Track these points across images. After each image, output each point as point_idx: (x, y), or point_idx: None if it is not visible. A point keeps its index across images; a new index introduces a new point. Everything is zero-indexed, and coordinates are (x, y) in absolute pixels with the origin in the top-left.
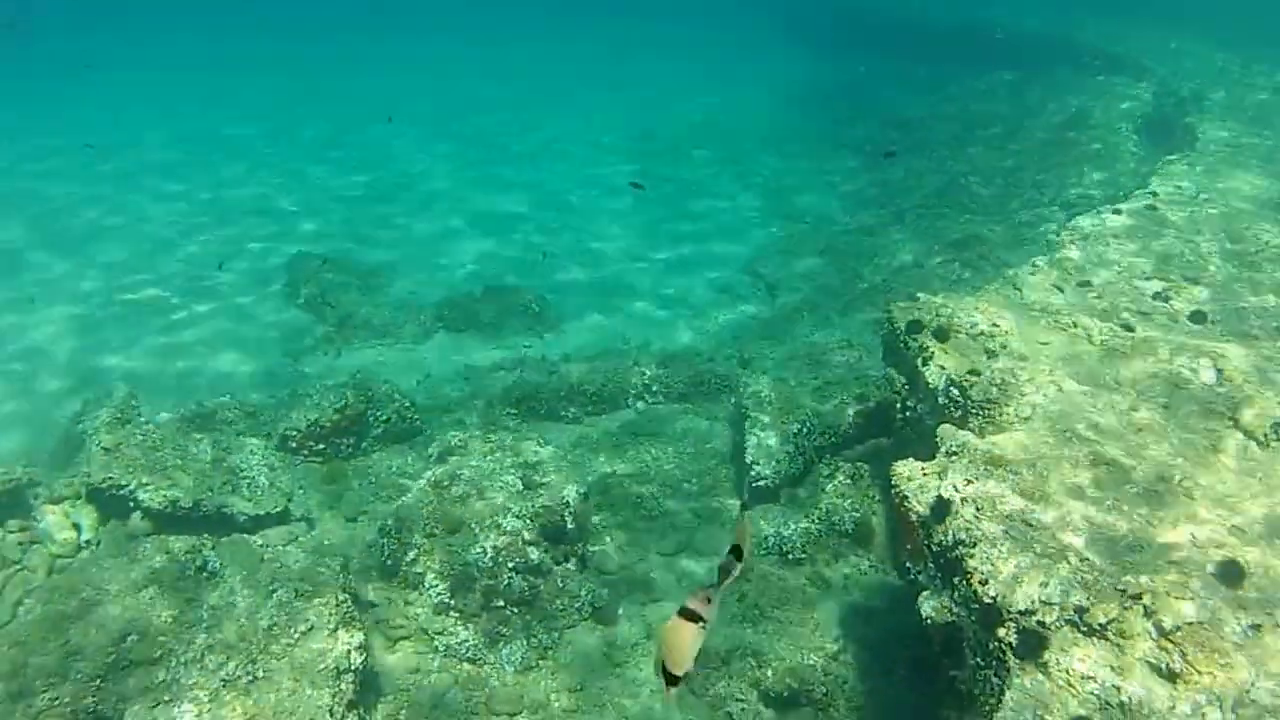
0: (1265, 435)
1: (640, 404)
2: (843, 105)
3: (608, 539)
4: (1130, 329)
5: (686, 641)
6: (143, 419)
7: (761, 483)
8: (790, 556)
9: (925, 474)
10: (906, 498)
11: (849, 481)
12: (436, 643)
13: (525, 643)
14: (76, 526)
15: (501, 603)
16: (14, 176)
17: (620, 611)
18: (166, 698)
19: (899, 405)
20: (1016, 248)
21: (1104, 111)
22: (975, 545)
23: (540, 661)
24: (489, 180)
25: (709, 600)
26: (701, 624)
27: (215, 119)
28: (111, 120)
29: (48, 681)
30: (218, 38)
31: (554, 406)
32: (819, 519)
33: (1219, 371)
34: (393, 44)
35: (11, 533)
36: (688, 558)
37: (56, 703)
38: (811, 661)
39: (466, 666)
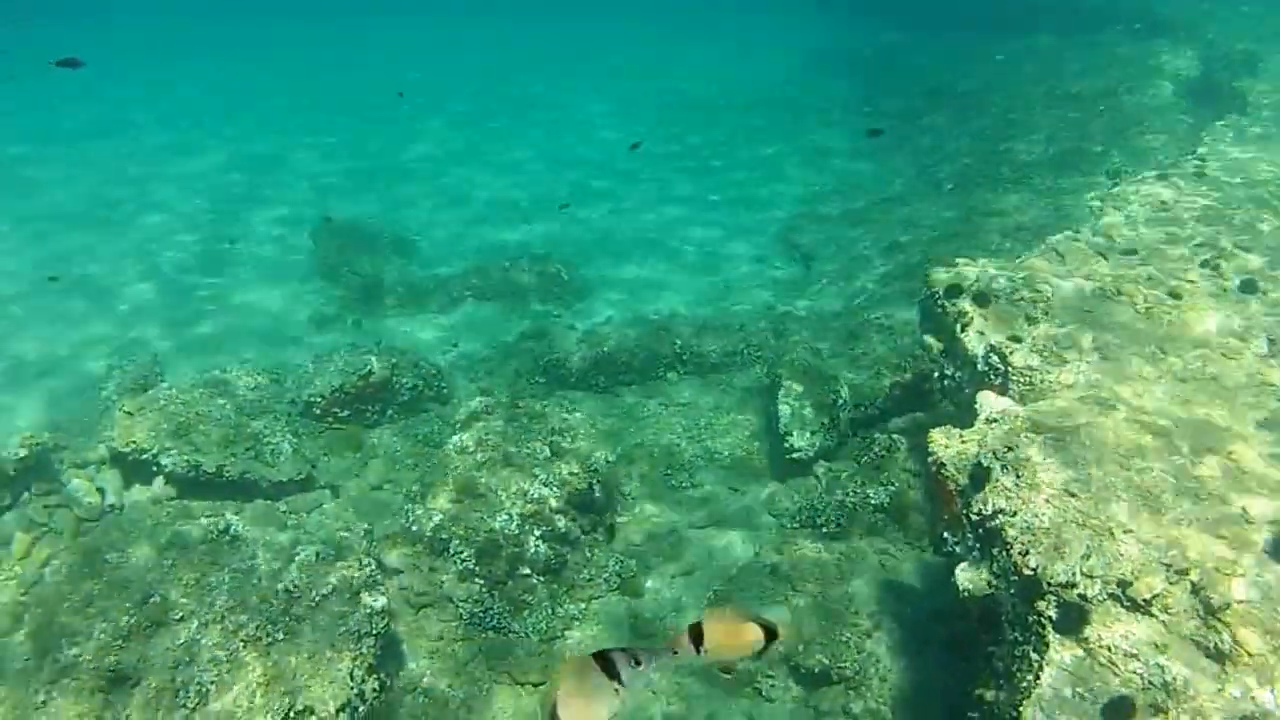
0: None
1: (672, 374)
2: (878, 73)
3: (637, 510)
4: (1177, 296)
5: (588, 701)
6: (166, 385)
7: (796, 454)
8: (824, 530)
9: (964, 441)
10: (944, 465)
11: (884, 454)
12: (460, 610)
13: (551, 612)
14: (101, 491)
15: (527, 571)
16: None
17: (648, 584)
18: (187, 658)
19: (936, 373)
20: (1058, 215)
21: (1149, 76)
22: (1015, 514)
23: (565, 632)
24: (519, 147)
25: (637, 663)
26: (617, 686)
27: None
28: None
29: (72, 640)
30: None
31: (583, 375)
32: (853, 492)
33: (1270, 341)
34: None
35: (38, 496)
36: (718, 531)
37: (80, 660)
38: (844, 637)
39: (490, 635)
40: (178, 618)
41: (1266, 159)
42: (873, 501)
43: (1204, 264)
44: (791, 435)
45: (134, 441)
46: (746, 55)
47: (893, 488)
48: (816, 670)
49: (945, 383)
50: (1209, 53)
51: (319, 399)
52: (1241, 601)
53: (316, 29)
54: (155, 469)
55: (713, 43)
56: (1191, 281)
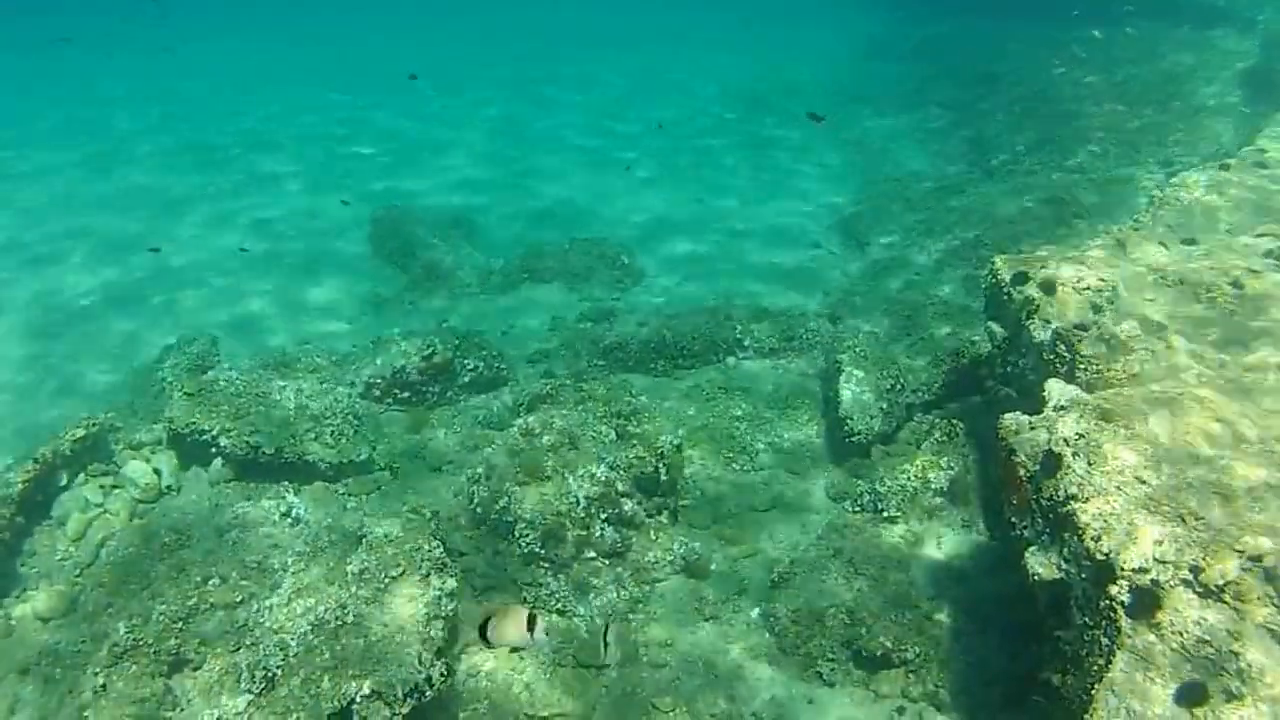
0: None
1: (731, 359)
2: (927, 61)
3: (700, 493)
4: (1240, 286)
5: (508, 629)
6: (225, 365)
7: (856, 438)
8: (884, 514)
9: (1033, 428)
10: (1014, 451)
11: (944, 439)
12: (525, 594)
13: (616, 595)
14: (157, 471)
15: (592, 554)
16: None
17: (713, 567)
18: (249, 640)
19: (999, 360)
20: (1114, 205)
21: (1206, 65)
22: (1088, 500)
23: (630, 614)
24: (584, 135)
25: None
26: (530, 634)
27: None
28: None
29: (130, 623)
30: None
31: (643, 359)
32: (914, 476)
33: None
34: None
35: (94, 476)
36: (779, 514)
37: (140, 643)
38: (905, 621)
39: (555, 618)
40: (238, 599)
41: None
42: (932, 485)
43: (1267, 254)
44: (851, 419)
45: (192, 423)
46: (797, 45)
47: (951, 472)
48: (878, 654)
49: (1008, 369)
50: (1268, 41)
51: (380, 380)
52: None
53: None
54: (213, 450)
55: (763, 35)
56: (1255, 271)
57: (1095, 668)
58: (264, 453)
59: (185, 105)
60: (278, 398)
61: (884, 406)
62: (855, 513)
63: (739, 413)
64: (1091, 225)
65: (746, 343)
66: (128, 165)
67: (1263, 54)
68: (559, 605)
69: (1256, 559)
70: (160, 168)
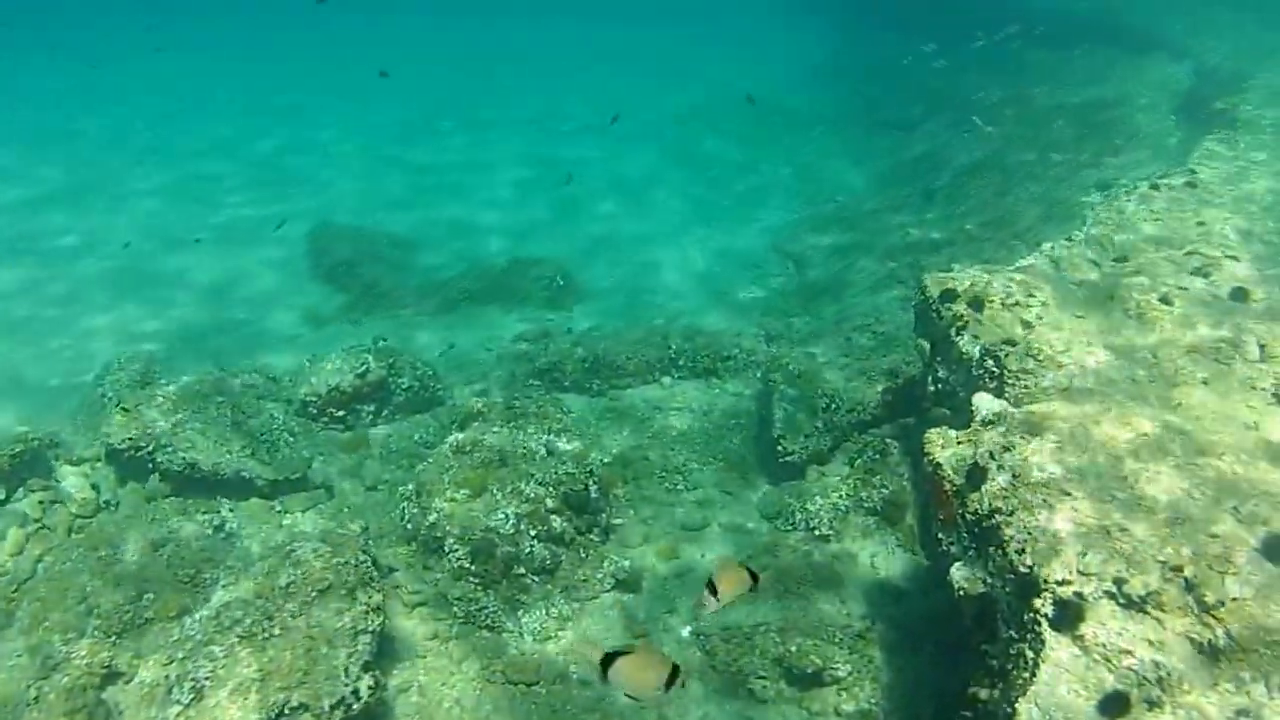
0: None
1: (666, 378)
2: (870, 83)
3: (632, 512)
4: (1169, 303)
5: (641, 676)
6: (163, 382)
7: (789, 457)
8: (817, 533)
9: (960, 442)
10: (940, 465)
11: (877, 458)
12: (455, 609)
13: (545, 612)
14: (96, 487)
15: (522, 570)
16: None
17: (644, 585)
18: (181, 654)
19: (930, 377)
20: (1050, 226)
21: (1141, 90)
22: (1012, 513)
23: (560, 632)
24: (515, 160)
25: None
26: (667, 690)
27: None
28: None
29: (65, 636)
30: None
31: (578, 379)
32: (846, 495)
33: (1262, 347)
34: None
35: (33, 492)
36: (712, 533)
37: (73, 657)
38: (837, 639)
39: (484, 634)
40: (172, 614)
41: (1256, 171)
42: (865, 504)
43: (1194, 271)
44: (785, 439)
45: (130, 438)
46: (751, 64)
47: (885, 491)
48: (810, 671)
49: (939, 386)
50: (1201, 68)
51: (315, 398)
52: (1235, 599)
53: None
54: (151, 466)
55: (717, 53)
56: (1183, 289)
57: (1020, 680)
58: (200, 469)
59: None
60: (214, 414)
61: (818, 426)
62: (788, 531)
63: (673, 432)
64: (1028, 245)
65: (681, 362)
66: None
67: (1195, 80)
68: (489, 621)
69: (1178, 569)
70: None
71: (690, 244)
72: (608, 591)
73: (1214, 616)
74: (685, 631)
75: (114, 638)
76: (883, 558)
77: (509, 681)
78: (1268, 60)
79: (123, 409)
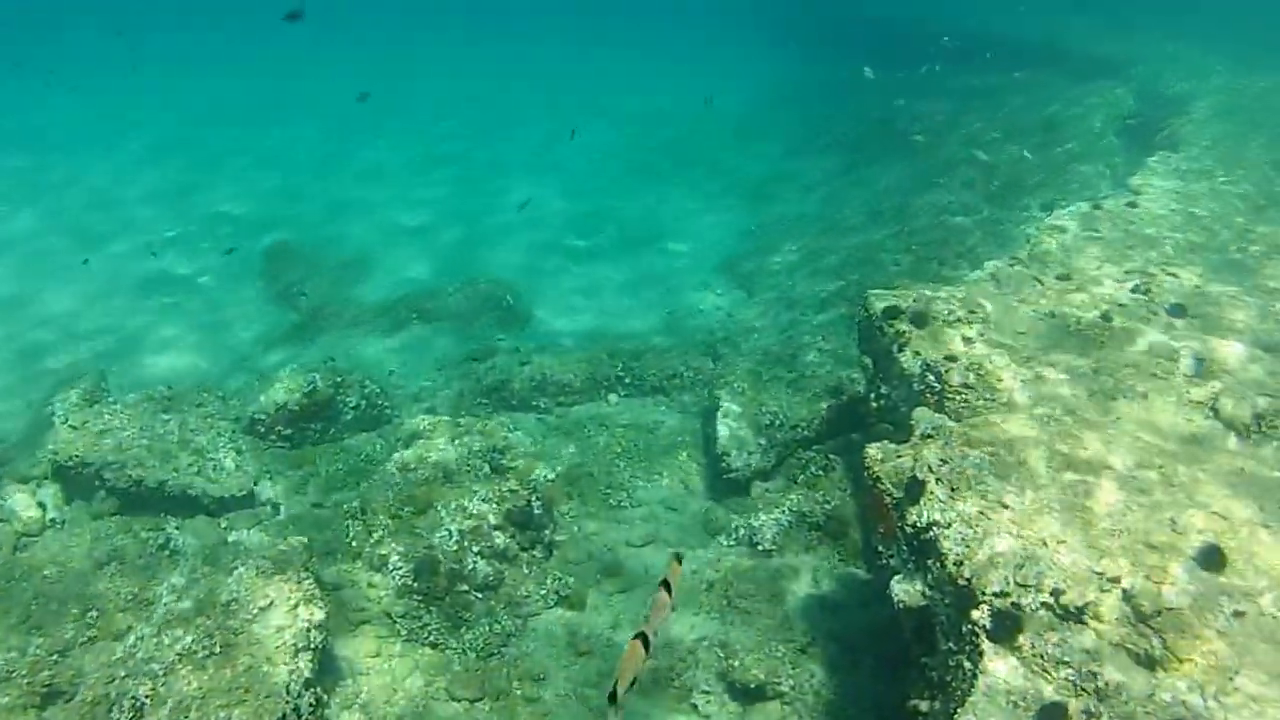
0: (1246, 427)
1: (613, 396)
2: (821, 107)
3: (576, 528)
4: (1109, 319)
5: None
6: (111, 400)
7: (733, 474)
8: (760, 548)
9: (900, 456)
10: (879, 479)
11: (821, 474)
12: (398, 626)
13: (489, 629)
14: (42, 505)
15: (465, 587)
16: None
17: (588, 601)
18: (123, 672)
19: (873, 393)
20: (995, 246)
21: (1086, 113)
22: (950, 526)
23: (503, 648)
24: (476, 193)
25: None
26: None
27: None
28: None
29: (6, 655)
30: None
31: (526, 397)
32: (789, 511)
33: (1199, 362)
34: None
35: None
36: (655, 549)
37: (13, 675)
38: (779, 653)
39: (428, 651)
40: (115, 632)
41: (1196, 191)
42: (808, 520)
43: (1135, 289)
44: (729, 455)
45: (77, 456)
46: (701, 85)
47: (828, 506)
48: (752, 686)
49: (882, 402)
50: (1144, 92)
51: (263, 416)
52: (1171, 609)
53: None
54: (97, 484)
55: (656, 71)
56: (1123, 305)
57: (959, 692)
58: (147, 486)
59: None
60: (161, 432)
61: (762, 443)
62: (732, 547)
63: (618, 449)
64: (971, 264)
65: (628, 380)
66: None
67: (1137, 103)
68: (432, 638)
69: (1115, 580)
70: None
71: (637, 265)
72: (551, 608)
73: (1150, 627)
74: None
75: (56, 656)
76: (825, 572)
77: (453, 698)
78: (1207, 83)
79: (70, 427)
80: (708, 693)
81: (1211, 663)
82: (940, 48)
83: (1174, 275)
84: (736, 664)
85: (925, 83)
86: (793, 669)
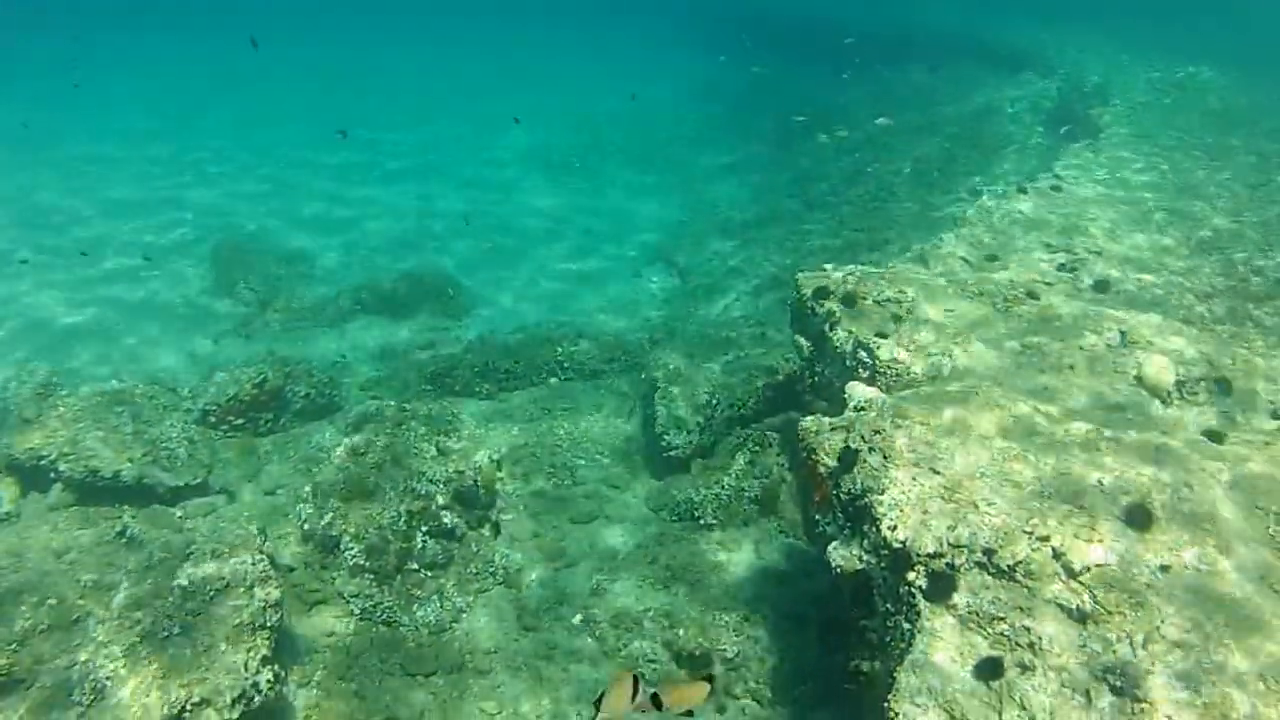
0: (1168, 393)
1: (554, 379)
2: (751, 102)
3: (522, 507)
4: (1035, 296)
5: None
6: (64, 393)
7: (673, 452)
8: (701, 522)
9: (833, 428)
10: (814, 450)
11: (758, 450)
12: (352, 605)
13: (439, 605)
14: None
15: (415, 566)
16: None
17: (532, 577)
18: (83, 657)
19: (807, 372)
20: (925, 230)
21: (1011, 104)
22: (883, 492)
23: (454, 624)
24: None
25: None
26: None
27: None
28: None
29: None
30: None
31: (469, 383)
32: (729, 485)
33: (1122, 334)
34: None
35: None
36: (600, 525)
37: None
38: (723, 621)
39: (383, 628)
40: (74, 619)
41: (1117, 175)
42: (747, 494)
43: (1060, 267)
44: (668, 434)
45: (31, 449)
46: (625, 87)
47: (765, 481)
48: (697, 653)
49: (815, 379)
50: (1066, 84)
51: (214, 407)
52: (1100, 564)
53: None
54: (52, 476)
55: (588, 71)
56: (1048, 283)
57: (898, 651)
58: (102, 477)
59: None
60: (115, 424)
61: (700, 421)
62: (674, 522)
63: (561, 431)
64: (901, 248)
65: (568, 365)
66: None
67: (1061, 95)
68: (384, 616)
69: (1044, 539)
70: None
71: (576, 253)
72: (499, 584)
73: (1079, 582)
74: (576, 619)
75: (15, 645)
76: (766, 544)
77: (407, 673)
78: (1125, 77)
79: (23, 419)
80: (654, 661)
81: (1140, 615)
82: (850, 48)
83: (1098, 253)
84: (681, 633)
85: (853, 80)
86: (737, 636)
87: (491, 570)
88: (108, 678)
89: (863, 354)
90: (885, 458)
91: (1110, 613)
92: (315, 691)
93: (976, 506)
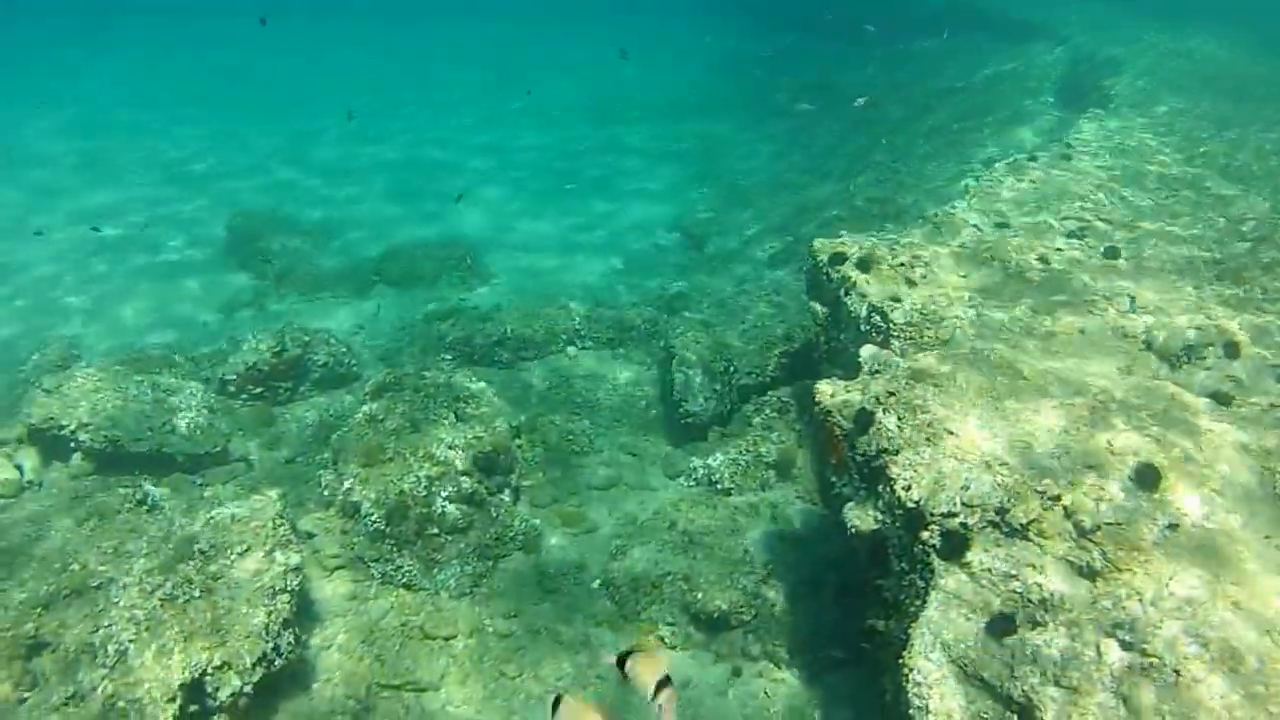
0: (1176, 357)
1: (571, 348)
2: (766, 75)
3: (541, 473)
4: (1047, 262)
5: (643, 673)
6: (84, 363)
7: (691, 419)
8: (719, 486)
9: (848, 390)
10: (830, 412)
11: (775, 415)
12: (373, 570)
13: (460, 569)
14: (19, 468)
15: (435, 530)
16: None
17: (552, 542)
18: (106, 621)
19: (822, 337)
20: (938, 200)
21: (1022, 75)
22: (898, 452)
23: (474, 588)
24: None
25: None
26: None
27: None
28: None
29: None
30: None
31: (488, 352)
32: (746, 450)
33: (1132, 299)
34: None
35: None
36: (618, 492)
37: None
38: (741, 584)
39: (403, 592)
40: (96, 584)
41: (1126, 144)
42: (764, 460)
43: (1070, 234)
44: (685, 401)
45: (52, 419)
46: (653, 57)
47: (782, 446)
48: (716, 616)
49: (831, 345)
50: (1076, 55)
51: (234, 376)
52: (1110, 523)
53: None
54: (73, 445)
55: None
56: (1059, 250)
57: (913, 609)
58: (122, 446)
59: None
60: (135, 393)
61: (717, 389)
62: (691, 487)
63: (579, 399)
64: (913, 215)
65: (585, 334)
66: None
67: (1072, 65)
68: (405, 580)
69: (1055, 499)
70: None
71: (594, 223)
72: (519, 549)
73: (1091, 540)
74: (595, 584)
75: (40, 610)
76: (782, 509)
77: (427, 636)
78: (1136, 47)
79: (44, 390)
80: (672, 624)
81: (1149, 571)
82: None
83: (1107, 221)
84: (700, 596)
85: (867, 52)
86: (754, 600)
87: (511, 535)
88: (130, 640)
89: (877, 318)
90: (899, 419)
91: (1120, 570)
92: (336, 654)
93: (989, 466)
